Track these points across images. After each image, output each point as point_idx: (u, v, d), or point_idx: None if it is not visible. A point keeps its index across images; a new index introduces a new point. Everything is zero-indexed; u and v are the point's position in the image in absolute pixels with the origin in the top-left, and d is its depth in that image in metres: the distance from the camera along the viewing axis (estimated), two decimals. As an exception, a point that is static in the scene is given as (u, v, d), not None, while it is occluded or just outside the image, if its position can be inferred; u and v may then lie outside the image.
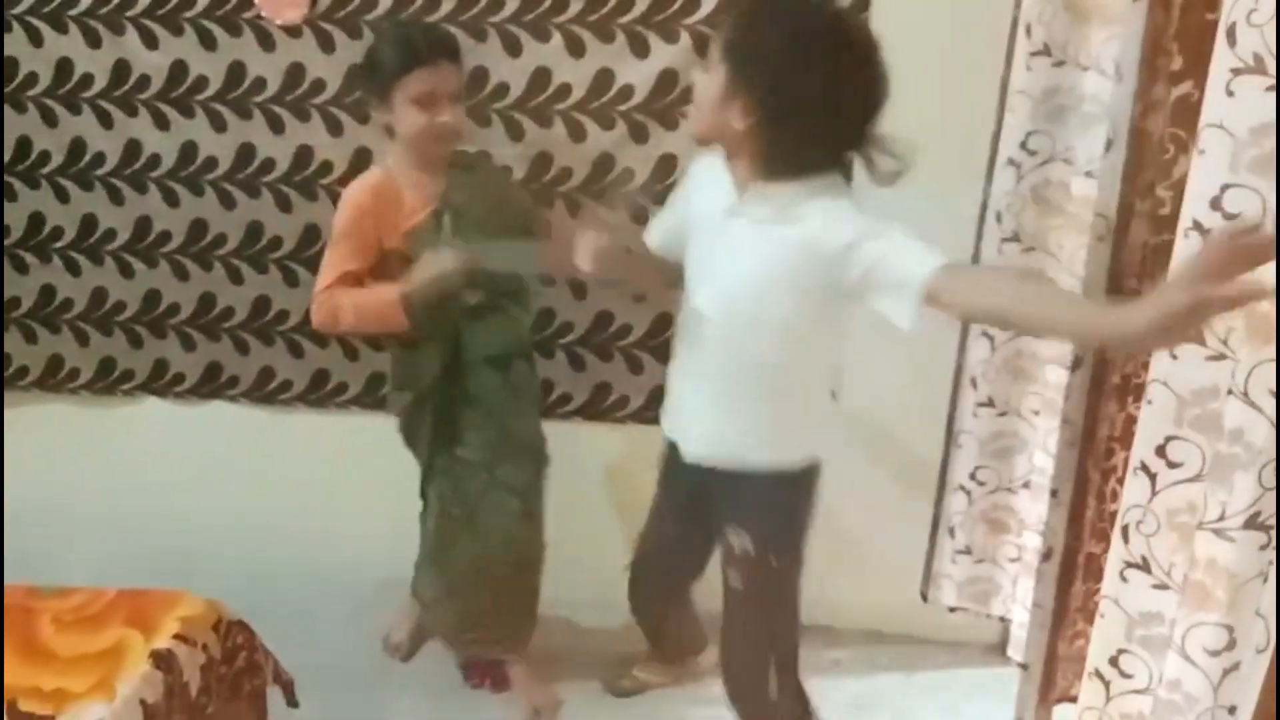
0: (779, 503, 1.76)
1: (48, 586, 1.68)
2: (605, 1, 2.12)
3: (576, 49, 2.15)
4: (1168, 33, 1.45)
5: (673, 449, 1.85)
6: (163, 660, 1.50)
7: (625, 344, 2.37)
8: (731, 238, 1.60)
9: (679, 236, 1.73)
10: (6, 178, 2.40)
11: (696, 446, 1.77)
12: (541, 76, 2.18)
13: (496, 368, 2.03)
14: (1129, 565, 1.50)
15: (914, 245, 1.48)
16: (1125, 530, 1.49)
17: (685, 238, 1.71)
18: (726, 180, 1.60)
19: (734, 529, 1.76)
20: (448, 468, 2.07)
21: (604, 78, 2.16)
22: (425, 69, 1.84)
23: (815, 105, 1.48)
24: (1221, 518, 1.29)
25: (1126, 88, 1.54)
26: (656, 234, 1.83)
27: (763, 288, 1.58)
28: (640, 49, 2.14)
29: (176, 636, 1.54)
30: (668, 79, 2.14)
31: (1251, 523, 1.27)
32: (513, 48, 2.17)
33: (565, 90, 2.18)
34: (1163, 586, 1.47)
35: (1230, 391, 1.28)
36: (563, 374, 2.40)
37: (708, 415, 1.74)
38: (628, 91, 2.17)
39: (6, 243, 2.46)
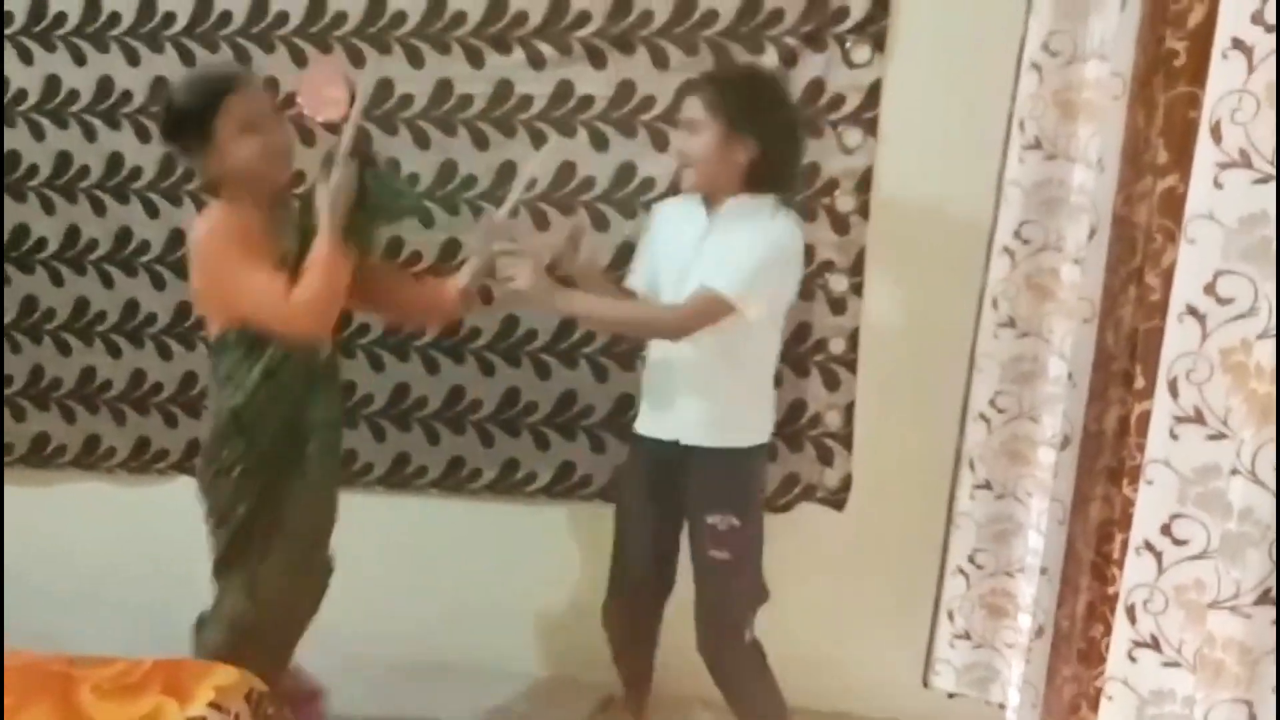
0: (756, 475, 2.10)
1: (88, 656, 1.73)
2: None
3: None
4: (1152, 129, 1.54)
5: (651, 452, 2.07)
6: (197, 728, 1.54)
7: (589, 423, 2.44)
8: (715, 244, 1.94)
9: (654, 271, 2.05)
10: (54, 263, 2.53)
11: (696, 432, 2.01)
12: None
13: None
14: (1137, 644, 1.52)
15: None
16: (1131, 610, 1.51)
17: (658, 269, 2.04)
18: (692, 209, 1.99)
19: (716, 511, 2.01)
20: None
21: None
22: (237, 94, 1.86)
23: (792, 131, 1.97)
24: (1236, 595, 1.33)
25: (1109, 179, 1.64)
26: (640, 277, 2.09)
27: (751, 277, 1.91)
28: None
29: (211, 705, 1.58)
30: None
31: (1264, 598, 1.31)
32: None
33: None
34: (1174, 664, 1.49)
35: (1235, 471, 1.33)
36: (527, 452, 2.47)
37: (704, 402, 2.01)
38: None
39: (52, 326, 2.57)
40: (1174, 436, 1.43)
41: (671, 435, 2.04)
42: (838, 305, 2.27)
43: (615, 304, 2.06)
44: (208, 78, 1.95)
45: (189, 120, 1.88)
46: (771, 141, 1.90)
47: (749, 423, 2.06)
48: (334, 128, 2.30)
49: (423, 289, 2.20)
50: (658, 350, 2.07)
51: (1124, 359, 1.61)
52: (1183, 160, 1.43)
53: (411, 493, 2.55)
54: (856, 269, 2.24)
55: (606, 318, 2.09)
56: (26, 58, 2.43)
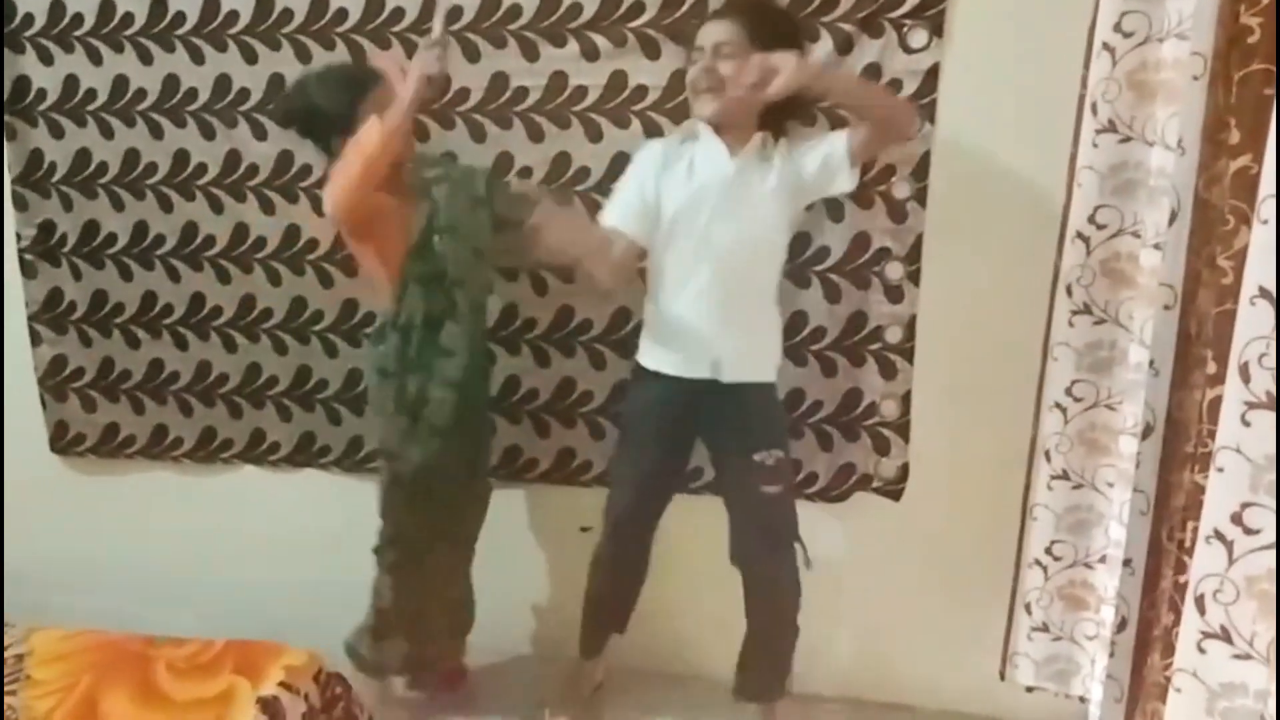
0: (780, 403, 2.18)
1: (163, 636, 1.78)
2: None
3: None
4: (1227, 108, 1.51)
5: (672, 390, 2.07)
6: (268, 706, 1.57)
7: (587, 410, 2.45)
8: (743, 189, 1.98)
9: (653, 215, 2.02)
10: (124, 258, 2.60)
11: (737, 369, 2.04)
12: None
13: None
14: (1207, 635, 1.49)
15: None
16: (1200, 600, 1.48)
17: (663, 211, 2.02)
18: (711, 152, 2.00)
19: (763, 447, 2.05)
20: None
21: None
22: (374, 92, 2.00)
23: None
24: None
25: (1189, 161, 1.60)
26: (632, 219, 2.02)
27: (775, 219, 2.02)
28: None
29: (281, 684, 1.62)
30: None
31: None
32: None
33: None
34: (1245, 656, 1.46)
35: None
36: (527, 439, 2.49)
37: (744, 337, 2.05)
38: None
39: (121, 320, 2.65)
40: (1245, 423, 1.40)
41: (707, 373, 2.04)
42: (894, 293, 2.25)
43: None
44: (347, 76, 2.06)
45: (329, 118, 2.01)
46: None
47: (775, 353, 2.13)
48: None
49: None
50: (686, 286, 2.03)
51: (1202, 345, 1.57)
52: (1256, 139, 1.41)
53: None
54: (913, 257, 2.22)
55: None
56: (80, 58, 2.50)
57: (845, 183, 1.98)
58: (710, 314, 2.02)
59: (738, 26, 1.92)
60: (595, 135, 2.29)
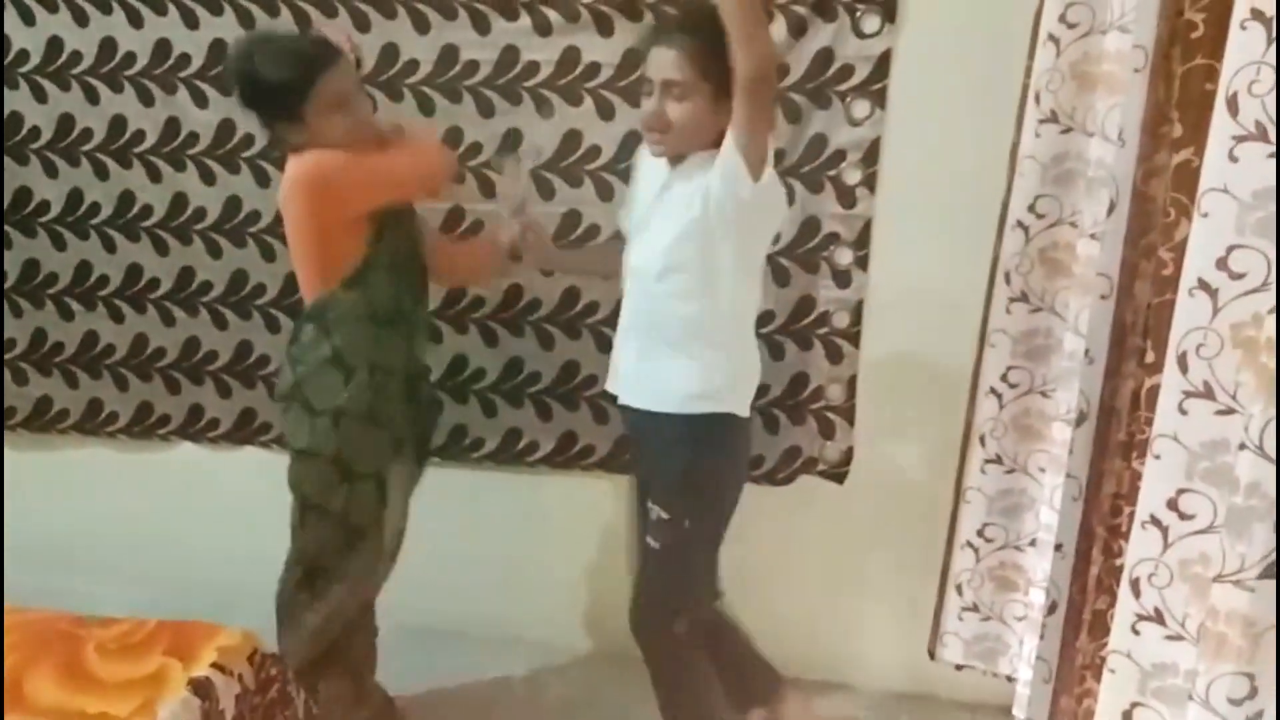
0: (689, 451, 1.88)
1: (92, 616, 1.74)
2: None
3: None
4: (1169, 102, 1.53)
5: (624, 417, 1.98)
6: (201, 688, 1.55)
7: (591, 393, 2.43)
8: (669, 205, 1.83)
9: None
10: (56, 227, 2.52)
11: (630, 391, 1.93)
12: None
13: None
14: (1141, 618, 1.52)
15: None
16: (1136, 583, 1.52)
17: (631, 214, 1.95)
18: (651, 161, 1.88)
19: (653, 496, 1.91)
20: None
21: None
22: (330, 71, 1.81)
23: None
24: (1240, 569, 1.32)
25: (1129, 153, 1.62)
26: (623, 217, 2.00)
27: (701, 244, 1.79)
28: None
29: (214, 665, 1.59)
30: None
31: (1268, 572, 1.31)
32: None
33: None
34: (1177, 638, 1.50)
35: (1243, 445, 1.32)
36: (529, 423, 2.47)
37: (641, 359, 1.91)
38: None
39: (54, 290, 2.57)
40: (1183, 411, 1.43)
41: (616, 389, 2.00)
42: (842, 278, 2.26)
43: None
44: (300, 51, 1.87)
45: (277, 95, 1.82)
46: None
47: (685, 386, 1.90)
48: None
49: (469, 248, 2.23)
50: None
51: (1138, 335, 1.60)
52: (1198, 134, 1.42)
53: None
54: (862, 242, 2.23)
55: None
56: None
57: (744, 185, 1.70)
58: (624, 328, 1.96)
59: (686, 58, 1.72)
60: (547, 112, 2.26)
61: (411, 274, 2.00)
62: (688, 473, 1.88)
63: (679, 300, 1.83)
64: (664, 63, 1.74)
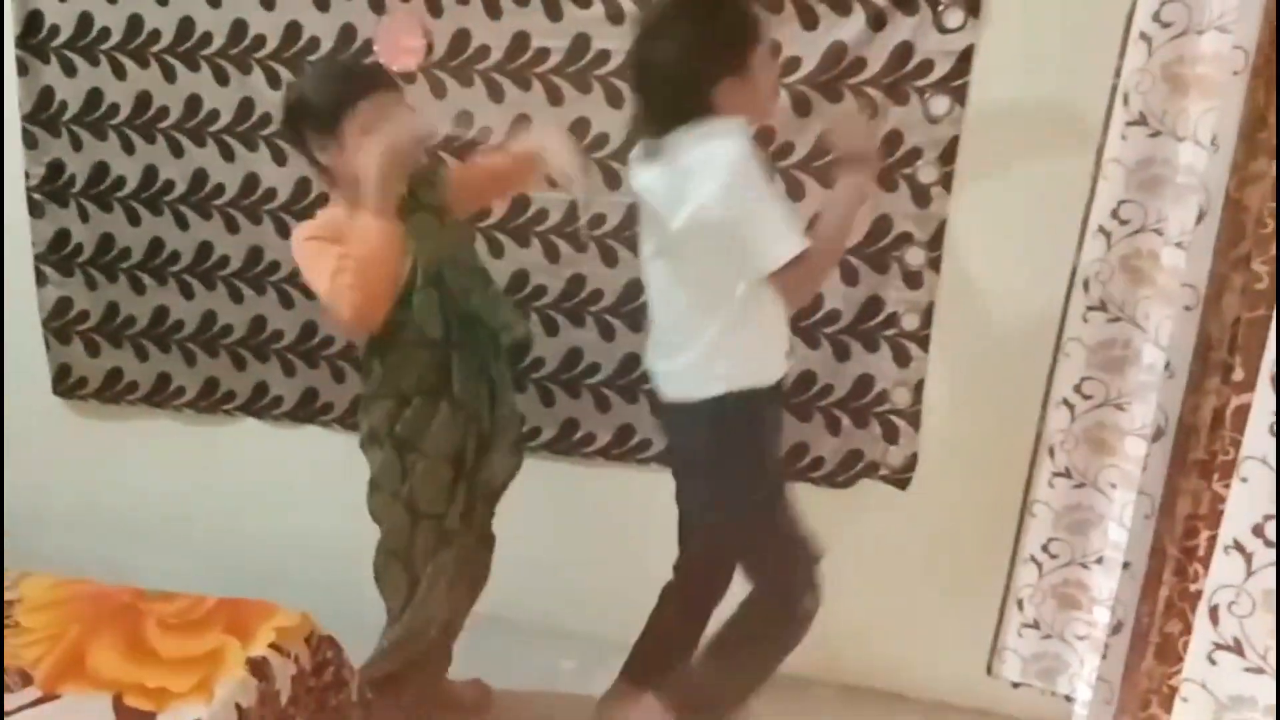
0: (714, 431, 1.92)
1: (153, 590, 1.76)
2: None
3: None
4: (1269, 106, 1.46)
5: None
6: (258, 668, 1.56)
7: (593, 382, 2.42)
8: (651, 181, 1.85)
9: None
10: (131, 202, 2.56)
11: (664, 385, 1.98)
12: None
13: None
14: (1219, 647, 1.47)
15: None
16: (1214, 611, 1.46)
17: None
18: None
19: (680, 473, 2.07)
20: None
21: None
22: (371, 99, 1.76)
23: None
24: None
25: (1222, 159, 1.55)
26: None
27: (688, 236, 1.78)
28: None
29: (271, 646, 1.61)
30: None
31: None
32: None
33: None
34: (1258, 670, 1.44)
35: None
36: (532, 409, 2.46)
37: (662, 353, 1.97)
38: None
39: (127, 265, 2.62)
40: (1274, 433, 1.36)
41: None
42: (913, 280, 2.20)
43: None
44: (352, 76, 1.86)
45: (318, 117, 1.79)
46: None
47: (704, 371, 1.92)
48: (410, 77, 2.30)
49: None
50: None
51: (1224, 349, 1.53)
52: (1301, 142, 1.35)
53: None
54: (935, 243, 2.17)
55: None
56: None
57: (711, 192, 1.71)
58: (653, 325, 2.01)
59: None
60: (556, 99, 2.25)
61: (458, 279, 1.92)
62: (713, 447, 1.93)
63: (702, 296, 1.86)
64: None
